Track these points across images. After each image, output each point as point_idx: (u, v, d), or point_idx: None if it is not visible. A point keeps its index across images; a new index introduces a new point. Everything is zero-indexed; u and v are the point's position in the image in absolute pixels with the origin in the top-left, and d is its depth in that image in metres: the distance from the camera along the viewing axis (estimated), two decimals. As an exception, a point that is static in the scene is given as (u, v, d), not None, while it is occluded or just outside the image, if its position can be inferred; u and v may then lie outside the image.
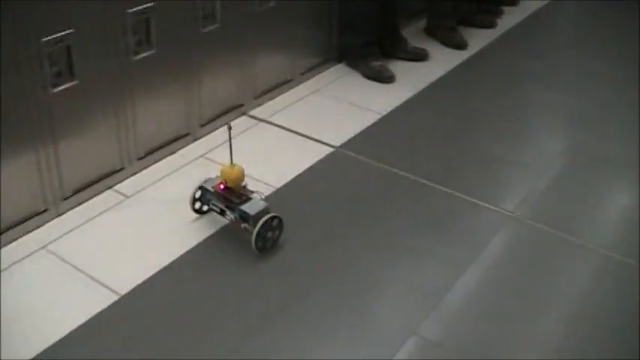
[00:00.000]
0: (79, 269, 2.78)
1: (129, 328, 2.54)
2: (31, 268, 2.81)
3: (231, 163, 2.90)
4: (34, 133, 2.87)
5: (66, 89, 2.92)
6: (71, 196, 3.10)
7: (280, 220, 2.88)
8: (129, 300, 2.65)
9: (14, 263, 2.82)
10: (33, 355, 2.41)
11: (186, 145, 3.57)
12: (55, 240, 2.94)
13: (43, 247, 2.90)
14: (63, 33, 2.83)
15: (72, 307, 2.61)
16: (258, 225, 2.79)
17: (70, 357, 2.42)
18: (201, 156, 3.50)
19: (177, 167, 3.42)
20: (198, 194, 3.02)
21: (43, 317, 2.58)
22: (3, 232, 2.88)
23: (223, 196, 2.92)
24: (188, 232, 2.98)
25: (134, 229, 3.01)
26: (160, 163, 3.43)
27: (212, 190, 2.95)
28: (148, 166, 3.40)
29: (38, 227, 3.00)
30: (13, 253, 2.87)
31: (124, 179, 3.30)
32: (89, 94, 3.02)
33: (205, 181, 2.99)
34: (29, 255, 2.86)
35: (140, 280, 2.73)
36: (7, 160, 2.81)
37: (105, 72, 3.06)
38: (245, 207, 2.84)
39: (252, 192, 2.93)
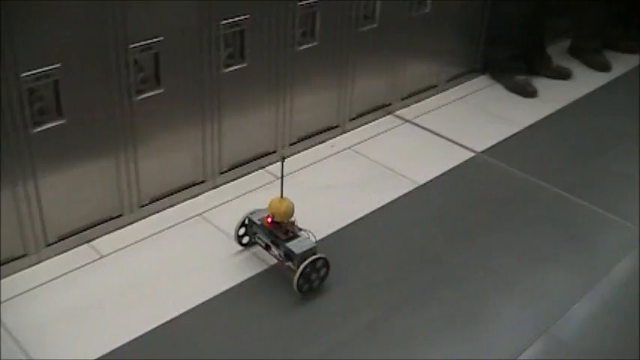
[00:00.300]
0: (228, 236, 2.87)
1: (280, 294, 2.64)
2: (186, 232, 2.93)
3: (281, 196, 2.66)
4: (203, 109, 3.00)
5: (235, 70, 3.04)
6: (227, 171, 3.22)
7: (326, 261, 2.61)
8: (278, 270, 2.74)
9: (171, 226, 2.95)
10: (176, 314, 2.52)
11: (335, 137, 3.64)
12: (210, 209, 3.06)
13: (199, 215, 3.02)
14: (239, 18, 2.95)
15: (218, 272, 2.72)
16: (302, 265, 2.54)
17: (213, 320, 2.52)
18: (348, 148, 3.57)
19: (326, 156, 3.49)
20: (242, 231, 2.81)
21: (195, 278, 2.69)
22: (163, 197, 3.02)
23: (270, 231, 2.67)
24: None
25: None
26: (309, 150, 3.52)
27: (259, 222, 2.72)
28: (299, 152, 3.49)
29: (196, 196, 3.13)
30: (171, 217, 3.01)
31: (276, 161, 3.39)
32: (255, 77, 3.13)
33: (253, 213, 2.76)
34: (186, 220, 2.99)
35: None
36: (175, 131, 2.95)
37: (271, 58, 3.17)
38: (291, 245, 2.59)
39: (300, 229, 2.67)
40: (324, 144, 3.58)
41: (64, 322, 2.46)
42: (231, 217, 2.96)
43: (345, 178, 3.33)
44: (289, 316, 2.56)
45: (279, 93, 3.27)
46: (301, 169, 3.37)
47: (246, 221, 2.78)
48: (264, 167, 3.35)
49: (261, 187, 3.23)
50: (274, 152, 3.38)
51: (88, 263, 2.74)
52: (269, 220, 2.67)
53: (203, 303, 2.57)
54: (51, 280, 2.65)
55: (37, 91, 2.48)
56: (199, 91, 2.95)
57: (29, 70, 2.42)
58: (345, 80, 3.59)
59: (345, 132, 3.68)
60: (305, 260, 2.55)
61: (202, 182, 3.13)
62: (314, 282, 2.62)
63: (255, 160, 3.31)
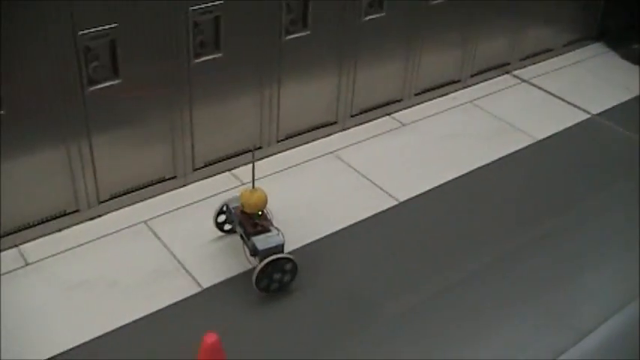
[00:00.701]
0: (361, 174, 3.01)
1: (405, 230, 2.74)
2: (321, 167, 3.07)
3: (253, 187, 2.41)
4: (341, 56, 3.12)
5: (374, 19, 3.13)
6: (357, 114, 3.33)
7: (294, 263, 2.36)
8: (407, 206, 2.85)
9: (306, 161, 3.08)
10: (311, 240, 2.65)
11: (456, 90, 3.71)
12: (340, 148, 3.18)
13: (331, 153, 3.14)
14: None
15: (353, 205, 2.84)
16: (263, 263, 2.29)
17: (344, 247, 2.64)
18: (469, 101, 3.63)
19: (447, 108, 3.57)
20: (222, 218, 2.59)
21: (328, 208, 2.82)
22: (299, 135, 3.16)
23: (240, 222, 2.44)
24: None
25: (407, 152, 3.21)
26: (433, 101, 3.60)
27: (234, 211, 2.48)
28: (423, 102, 3.57)
29: (327, 136, 3.25)
30: (305, 153, 3.14)
31: (401, 109, 3.49)
32: (391, 29, 3.23)
33: (233, 200, 2.52)
34: (319, 157, 3.12)
35: (418, 192, 2.93)
36: (315, 75, 3.08)
37: (407, 12, 3.25)
38: (256, 239, 2.34)
39: (272, 224, 2.40)
40: (446, 97, 3.65)
41: (208, 238, 2.62)
42: (360, 156, 3.12)
43: (465, 128, 3.40)
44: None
45: (410, 46, 3.36)
46: (425, 118, 3.46)
47: (225, 208, 2.57)
48: (390, 114, 3.44)
49: (388, 131, 3.33)
50: (401, 100, 3.46)
51: (229, 189, 2.88)
52: (240, 210, 2.45)
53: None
54: (196, 202, 2.81)
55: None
56: (339, 39, 3.06)
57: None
58: (469, 38, 3.64)
59: (465, 87, 3.74)
60: (267, 258, 2.31)
61: (334, 123, 3.25)
62: (282, 280, 2.38)
63: (382, 107, 3.41)
